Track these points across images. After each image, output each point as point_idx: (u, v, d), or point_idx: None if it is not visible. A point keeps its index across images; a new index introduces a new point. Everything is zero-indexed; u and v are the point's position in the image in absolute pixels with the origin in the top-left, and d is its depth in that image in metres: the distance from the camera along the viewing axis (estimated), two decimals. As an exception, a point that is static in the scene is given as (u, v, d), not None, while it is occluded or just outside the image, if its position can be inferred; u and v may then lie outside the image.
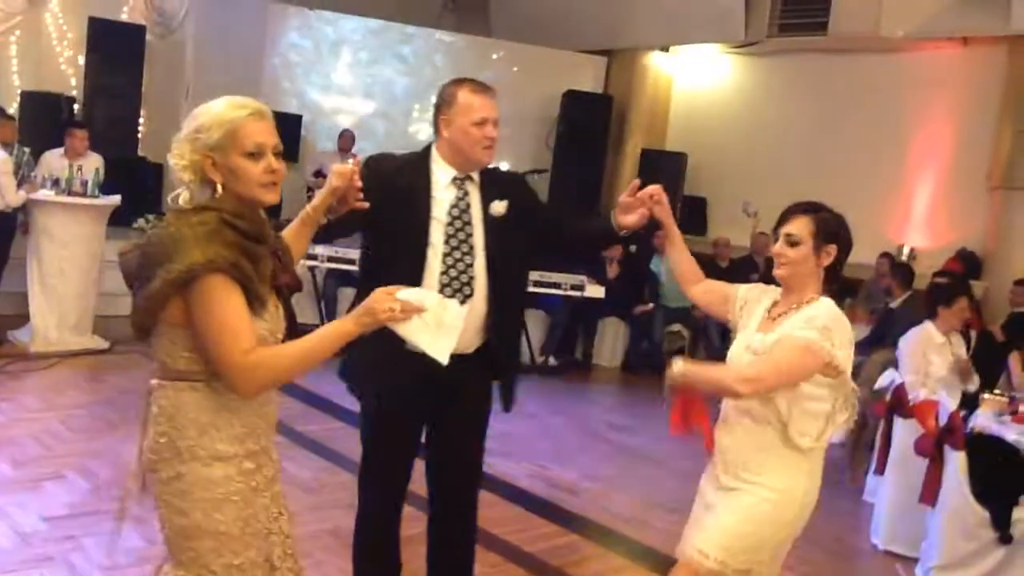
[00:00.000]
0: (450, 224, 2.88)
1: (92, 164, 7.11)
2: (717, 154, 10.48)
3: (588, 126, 10.71)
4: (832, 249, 2.61)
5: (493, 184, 3.00)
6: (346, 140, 9.29)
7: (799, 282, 2.62)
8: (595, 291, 7.82)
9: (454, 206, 2.89)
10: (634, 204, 2.85)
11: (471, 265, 2.89)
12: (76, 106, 9.31)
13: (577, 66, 11.38)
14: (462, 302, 2.81)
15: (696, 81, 11.05)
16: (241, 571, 2.10)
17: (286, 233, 2.42)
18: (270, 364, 2.04)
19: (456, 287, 2.86)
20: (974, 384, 4.95)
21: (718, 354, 8.13)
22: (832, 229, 2.62)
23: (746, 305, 2.80)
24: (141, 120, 9.61)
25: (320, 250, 7.41)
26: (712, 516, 2.63)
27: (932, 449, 4.14)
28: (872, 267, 8.16)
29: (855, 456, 5.74)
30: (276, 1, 10.35)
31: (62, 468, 4.49)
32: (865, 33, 8.93)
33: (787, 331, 2.51)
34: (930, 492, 4.17)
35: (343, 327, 2.12)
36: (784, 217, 2.65)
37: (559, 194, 10.78)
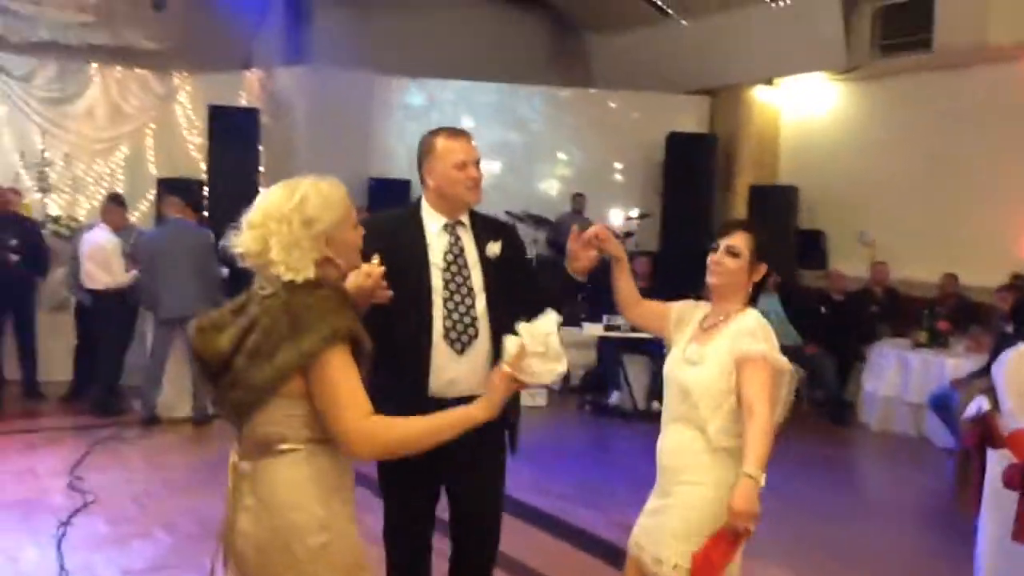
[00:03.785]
0: (446, 269, 2.94)
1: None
2: (830, 184, 10.12)
3: (693, 166, 10.59)
4: (763, 268, 2.82)
5: (485, 227, 3.07)
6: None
7: (730, 292, 2.81)
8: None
9: (448, 251, 2.96)
10: (579, 251, 2.95)
11: (472, 306, 2.94)
12: (205, 188, 10.00)
13: (680, 108, 11.38)
14: (465, 346, 2.89)
15: (804, 112, 10.74)
16: None
17: None
18: (400, 436, 2.13)
19: (460, 329, 2.91)
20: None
21: (836, 397, 7.93)
22: (766, 249, 2.82)
23: (680, 321, 2.94)
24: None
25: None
26: (661, 521, 2.76)
27: (1021, 481, 3.80)
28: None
29: (961, 493, 5.33)
30: (381, 75, 10.83)
31: (151, 526, 4.76)
32: (972, 45, 8.48)
33: (736, 347, 2.67)
34: (1022, 528, 3.83)
35: (469, 413, 2.18)
36: (726, 230, 2.85)
37: (670, 236, 10.71)
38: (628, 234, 10.15)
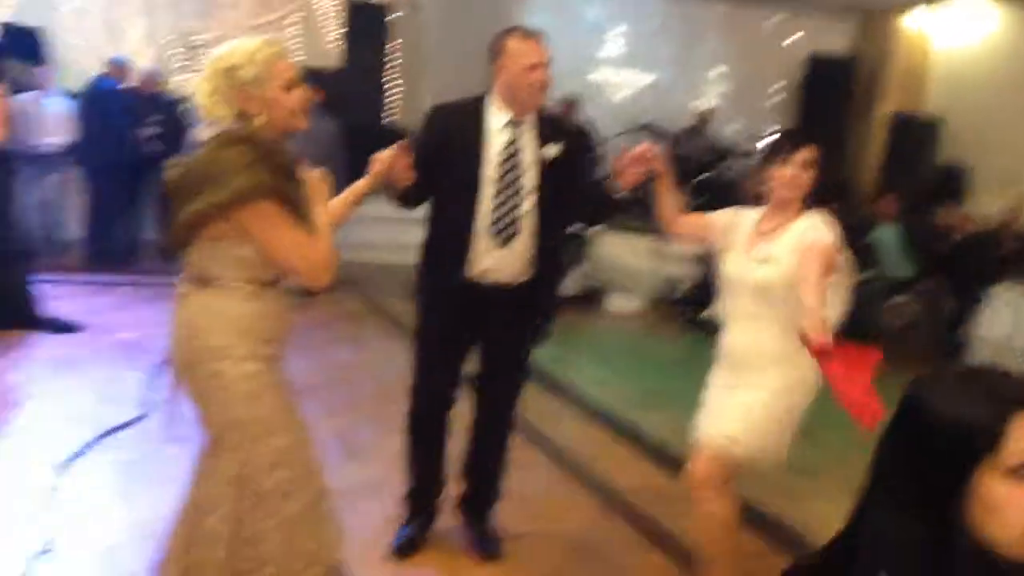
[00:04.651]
0: (500, 165, 3.05)
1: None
2: (981, 118, 9.43)
3: (830, 91, 10.13)
4: (818, 174, 2.89)
5: (550, 129, 3.14)
6: (567, 110, 9.42)
7: (795, 201, 2.89)
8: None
9: (505, 148, 3.07)
10: (626, 167, 3.00)
11: (519, 205, 3.06)
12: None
13: (824, 29, 10.79)
14: (508, 240, 3.06)
15: (958, 38, 9.99)
16: (288, 452, 2.33)
17: (335, 200, 2.66)
18: (328, 248, 2.30)
19: (504, 224, 3.06)
20: None
21: (951, 335, 7.56)
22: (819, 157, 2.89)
23: (730, 228, 3.02)
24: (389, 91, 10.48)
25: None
26: (732, 402, 2.87)
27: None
28: None
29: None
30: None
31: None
32: None
33: (804, 240, 2.74)
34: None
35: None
36: (795, 144, 2.90)
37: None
38: (747, 153, 9.83)
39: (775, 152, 2.93)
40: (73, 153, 7.79)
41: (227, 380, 2.26)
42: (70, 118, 7.74)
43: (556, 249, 3.29)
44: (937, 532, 1.25)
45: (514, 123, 3.07)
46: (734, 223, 3.01)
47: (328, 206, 2.45)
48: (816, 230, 2.79)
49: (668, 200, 3.11)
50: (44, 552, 3.08)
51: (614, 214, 3.43)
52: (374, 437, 4.43)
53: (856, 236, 8.09)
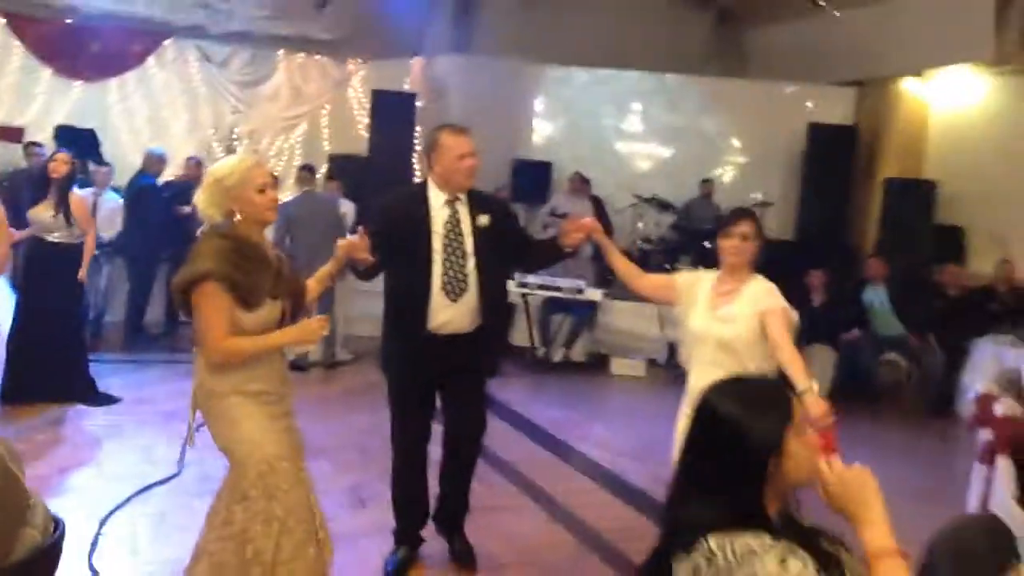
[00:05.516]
0: (446, 236, 3.72)
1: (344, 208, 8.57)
2: (974, 180, 9.87)
3: (832, 158, 10.64)
4: (761, 241, 3.47)
5: (479, 203, 3.82)
6: (575, 183, 10.05)
7: (743, 265, 3.46)
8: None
9: (447, 221, 3.74)
10: (571, 232, 3.71)
11: (464, 266, 3.72)
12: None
13: (827, 98, 11.38)
14: (458, 296, 3.71)
15: (952, 106, 10.50)
16: (269, 463, 2.96)
17: (311, 280, 3.36)
18: (232, 350, 2.93)
19: (454, 283, 3.71)
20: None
21: (939, 388, 7.91)
22: (760, 227, 3.49)
23: (690, 288, 3.57)
24: (417, 173, 11.18)
25: (532, 279, 8.28)
26: None
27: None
28: None
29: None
30: (531, 63, 11.52)
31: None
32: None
33: (760, 304, 3.36)
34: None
35: (282, 337, 3.04)
36: (736, 219, 3.50)
37: (805, 226, 10.82)
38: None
39: (721, 226, 3.53)
40: (119, 244, 8.55)
41: (220, 411, 2.96)
42: (118, 212, 8.52)
43: (500, 298, 3.98)
44: (742, 508, 1.67)
45: (452, 201, 3.75)
46: (694, 283, 3.56)
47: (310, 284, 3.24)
48: (769, 296, 3.38)
49: (618, 263, 3.73)
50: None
51: (553, 263, 4.31)
52: (382, 488, 4.91)
53: (851, 297, 8.57)
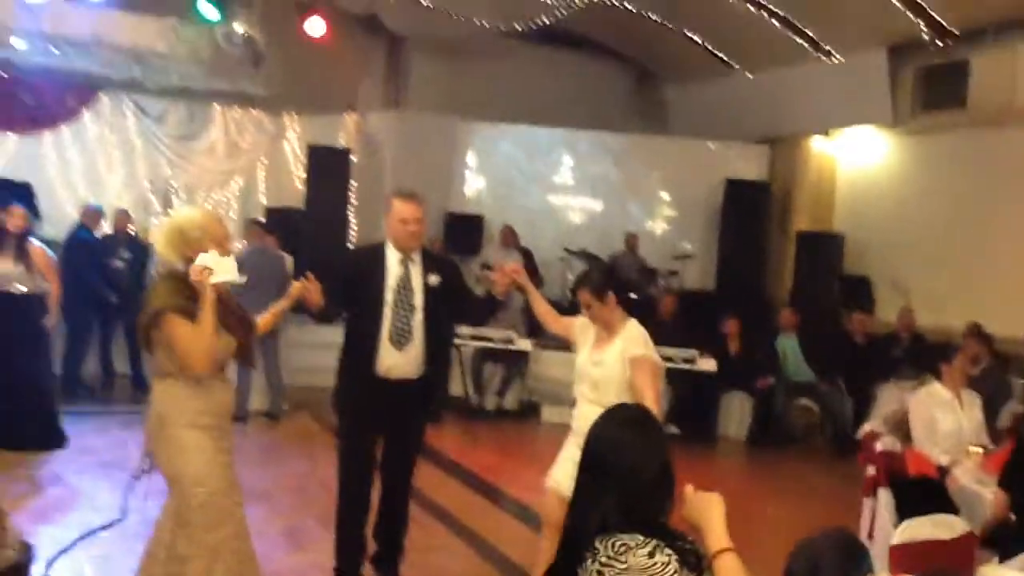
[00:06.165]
0: (396, 291, 4.10)
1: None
2: (877, 233, 10.58)
3: (748, 212, 11.26)
4: (611, 295, 3.85)
5: (431, 263, 4.23)
6: (506, 235, 10.47)
7: (607, 320, 3.89)
8: (707, 364, 8.35)
9: (400, 277, 4.12)
10: (500, 281, 4.18)
11: (411, 319, 4.10)
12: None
13: (741, 156, 12.04)
14: (404, 345, 4.08)
15: (857, 163, 11.24)
16: (211, 495, 3.27)
17: (266, 315, 3.79)
18: (205, 349, 3.25)
19: (401, 333, 4.08)
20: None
21: (846, 430, 8.42)
22: (601, 284, 3.85)
23: (582, 331, 4.02)
24: (353, 227, 11.46)
25: (464, 330, 8.58)
26: (566, 458, 3.88)
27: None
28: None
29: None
30: (463, 120, 11.96)
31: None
32: (1003, 105, 8.89)
33: (628, 352, 3.75)
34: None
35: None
36: (574, 290, 4.01)
37: (724, 277, 11.37)
38: (673, 272, 10.89)
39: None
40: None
41: (172, 438, 3.26)
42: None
43: (443, 350, 4.41)
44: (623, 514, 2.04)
45: (405, 259, 4.13)
46: (586, 327, 3.98)
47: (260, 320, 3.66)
48: (637, 345, 3.79)
49: (538, 306, 4.24)
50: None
51: (489, 315, 4.74)
52: (319, 531, 5.15)
53: (765, 345, 9.07)
